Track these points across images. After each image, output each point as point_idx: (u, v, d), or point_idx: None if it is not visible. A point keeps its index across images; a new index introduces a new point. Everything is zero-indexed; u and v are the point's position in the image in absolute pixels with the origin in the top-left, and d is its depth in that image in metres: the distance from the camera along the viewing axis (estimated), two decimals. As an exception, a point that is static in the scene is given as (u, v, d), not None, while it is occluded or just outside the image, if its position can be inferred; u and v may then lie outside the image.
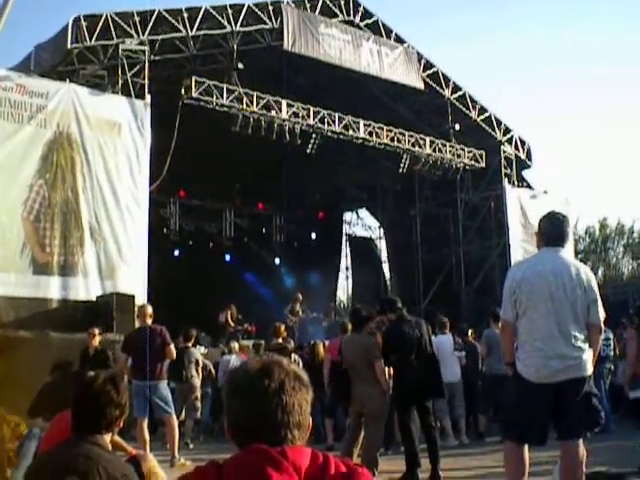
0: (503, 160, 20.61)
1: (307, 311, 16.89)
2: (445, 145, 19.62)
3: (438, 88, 19.61)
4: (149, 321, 8.24)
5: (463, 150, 20.01)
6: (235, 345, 11.87)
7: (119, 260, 13.36)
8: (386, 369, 6.90)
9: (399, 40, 19.06)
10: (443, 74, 19.77)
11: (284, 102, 16.71)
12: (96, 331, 9.65)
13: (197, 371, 10.81)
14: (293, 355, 10.28)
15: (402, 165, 19.27)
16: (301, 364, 9.49)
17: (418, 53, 19.20)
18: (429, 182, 21.63)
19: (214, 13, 15.99)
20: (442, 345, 9.70)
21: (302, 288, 19.20)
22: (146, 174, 14.09)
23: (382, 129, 18.47)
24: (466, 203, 21.57)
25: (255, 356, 8.18)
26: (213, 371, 11.48)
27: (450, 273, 21.81)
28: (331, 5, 18.12)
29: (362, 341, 7.01)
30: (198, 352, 11.33)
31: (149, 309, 8.41)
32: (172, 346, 8.23)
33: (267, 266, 24.15)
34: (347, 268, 27.57)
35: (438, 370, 7.28)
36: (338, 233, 27.36)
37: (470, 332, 11.49)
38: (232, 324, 16.22)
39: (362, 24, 18.57)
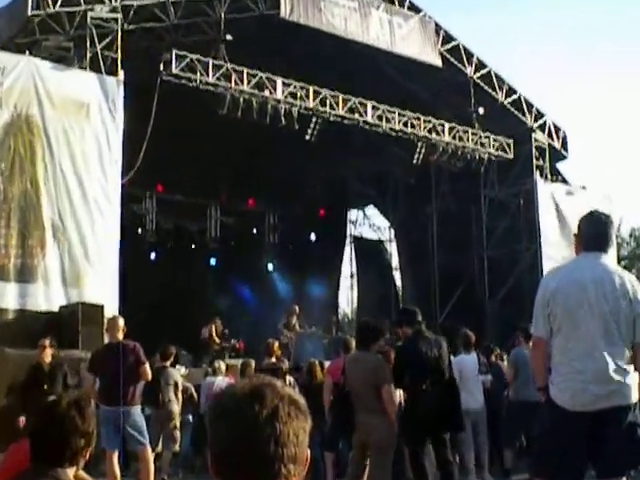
0: (534, 150, 20.63)
1: (305, 325, 16.88)
2: (467, 132, 19.63)
3: (459, 65, 19.60)
4: (120, 336, 8.23)
5: (488, 138, 20.02)
6: (220, 365, 11.84)
7: (86, 264, 13.35)
8: (398, 393, 6.87)
9: (414, 9, 19.06)
10: (465, 48, 19.74)
11: (279, 80, 16.72)
12: (46, 342, 9.49)
13: (176, 395, 10.78)
14: (288, 377, 10.27)
15: (417, 155, 19.30)
16: (297, 387, 9.49)
17: (436, 24, 19.20)
18: (448, 175, 21.65)
19: (198, -24, 16.05)
20: (465, 366, 9.66)
21: (299, 298, 19.22)
22: (118, 164, 14.10)
23: (393, 113, 18.49)
24: (491, 200, 21.58)
25: (244, 378, 8.16)
26: (195, 395, 11.46)
27: (472, 282, 21.84)
28: (335, -33, 18.14)
29: (369, 361, 6.96)
30: (177, 373, 11.31)
31: (120, 322, 8.40)
32: (147, 365, 8.23)
33: (258, 272, 24.14)
34: (352, 275, 27.62)
35: (458, 398, 7.25)
36: (341, 234, 27.40)
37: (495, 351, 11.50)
38: (217, 340, 16.22)
39: (371, -10, 18.59)
